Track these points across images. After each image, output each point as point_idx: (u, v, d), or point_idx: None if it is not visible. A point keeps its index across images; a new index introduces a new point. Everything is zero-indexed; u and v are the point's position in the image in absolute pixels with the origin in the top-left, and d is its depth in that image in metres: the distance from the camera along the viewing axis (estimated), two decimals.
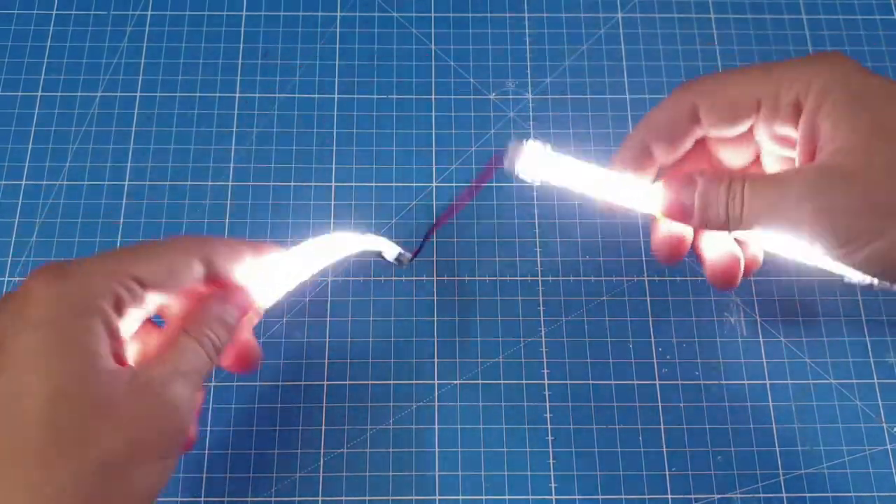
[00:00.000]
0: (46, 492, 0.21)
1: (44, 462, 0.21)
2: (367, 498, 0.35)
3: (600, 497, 0.35)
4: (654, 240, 0.31)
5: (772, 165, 0.29)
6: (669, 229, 0.30)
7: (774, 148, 0.28)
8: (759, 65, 0.27)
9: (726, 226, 0.27)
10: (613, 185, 0.30)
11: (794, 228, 0.25)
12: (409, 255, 0.35)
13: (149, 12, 0.44)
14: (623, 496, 0.35)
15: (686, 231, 0.30)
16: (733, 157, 0.30)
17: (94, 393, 0.22)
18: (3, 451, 0.21)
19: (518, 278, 0.38)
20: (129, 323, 0.25)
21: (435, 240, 0.39)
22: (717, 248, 0.30)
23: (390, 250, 0.35)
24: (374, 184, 0.40)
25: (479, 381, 0.36)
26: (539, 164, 0.30)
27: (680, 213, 0.28)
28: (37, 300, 0.23)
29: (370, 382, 0.37)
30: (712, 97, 0.28)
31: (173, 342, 0.25)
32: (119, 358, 0.24)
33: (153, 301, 0.25)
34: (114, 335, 0.24)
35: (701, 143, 0.30)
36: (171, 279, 0.25)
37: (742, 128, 0.28)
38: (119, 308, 0.24)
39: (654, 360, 0.37)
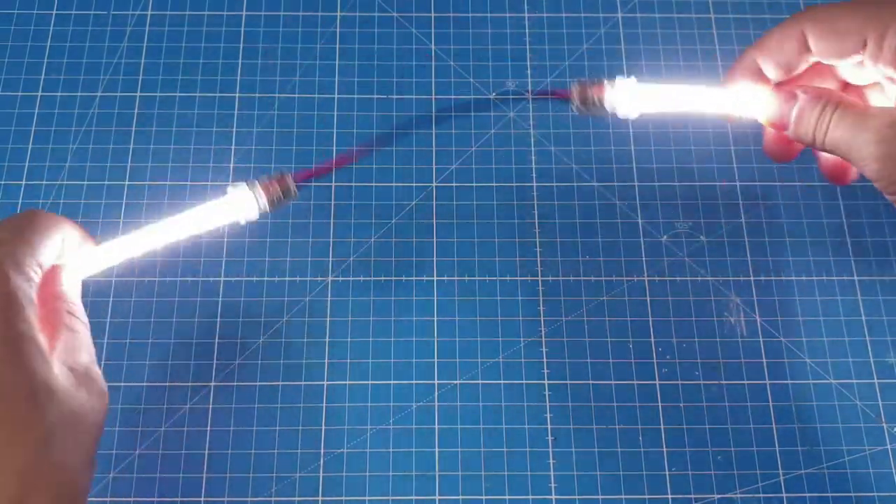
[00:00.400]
0: None
1: None
2: (367, 498, 0.35)
3: (600, 497, 0.35)
4: (766, 142, 0.32)
5: (880, 97, 0.30)
6: (779, 134, 0.31)
7: (886, 82, 0.29)
8: (865, 2, 0.27)
9: (813, 144, 0.28)
10: (721, 96, 0.31)
11: (863, 164, 0.26)
12: (272, 199, 0.31)
13: (149, 12, 0.44)
14: (623, 496, 0.35)
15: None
16: (854, 77, 0.30)
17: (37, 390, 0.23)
18: None
19: (518, 278, 0.38)
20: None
21: (435, 240, 0.39)
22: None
23: (243, 210, 0.31)
24: (374, 184, 0.40)
25: (479, 381, 0.36)
26: (630, 98, 0.31)
27: (780, 124, 0.29)
28: None
29: (370, 382, 0.37)
30: (821, 27, 0.28)
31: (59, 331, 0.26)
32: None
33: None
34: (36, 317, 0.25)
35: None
36: (49, 258, 0.27)
37: (852, 60, 0.28)
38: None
39: (654, 360, 0.37)
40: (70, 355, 0.25)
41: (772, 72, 0.30)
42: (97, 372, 0.26)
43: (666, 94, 0.31)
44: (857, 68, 0.29)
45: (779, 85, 0.31)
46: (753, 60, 0.30)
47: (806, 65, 0.30)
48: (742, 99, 0.30)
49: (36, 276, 0.25)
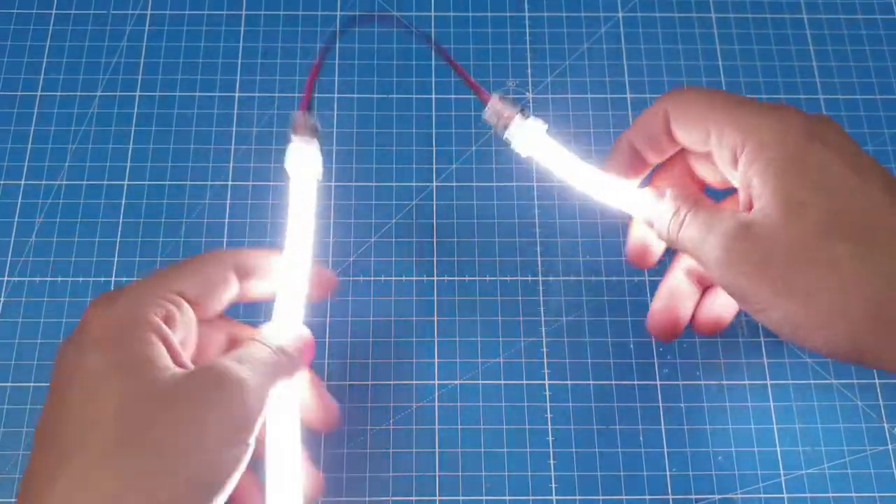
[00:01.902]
0: (118, 478, 0.22)
1: (114, 452, 0.23)
2: (367, 498, 0.35)
3: (601, 497, 0.35)
4: (628, 241, 0.33)
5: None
6: (641, 236, 0.32)
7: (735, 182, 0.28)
8: (724, 95, 0.27)
9: (669, 242, 0.28)
10: (599, 183, 0.31)
11: (707, 267, 0.26)
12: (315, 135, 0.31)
13: (148, 12, 0.44)
14: (624, 496, 0.35)
15: (653, 241, 0.31)
16: (706, 172, 0.30)
17: (153, 390, 0.24)
18: (77, 446, 0.23)
19: (518, 278, 0.38)
20: (185, 333, 0.27)
21: (435, 240, 0.39)
22: (673, 288, 0.32)
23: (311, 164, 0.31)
24: (374, 184, 0.40)
25: (480, 382, 0.36)
26: (531, 139, 0.30)
27: (647, 221, 0.30)
28: (93, 325, 0.25)
29: (370, 383, 0.36)
30: (677, 112, 0.28)
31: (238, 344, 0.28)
32: (179, 363, 0.25)
33: (202, 311, 0.28)
34: (168, 344, 0.25)
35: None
36: (209, 290, 0.28)
37: (705, 149, 0.28)
38: (169, 321, 0.26)
39: (655, 361, 0.37)
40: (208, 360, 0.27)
41: (647, 153, 0.30)
42: (224, 371, 0.26)
43: (556, 157, 0.31)
44: (710, 163, 0.29)
45: (657, 172, 0.31)
46: (629, 141, 0.30)
47: (675, 148, 0.30)
48: (616, 192, 0.30)
49: (168, 302, 0.26)
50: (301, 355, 0.29)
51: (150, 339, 0.25)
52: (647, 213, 0.29)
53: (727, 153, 0.26)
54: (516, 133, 0.30)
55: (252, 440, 0.25)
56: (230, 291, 0.29)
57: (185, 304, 0.27)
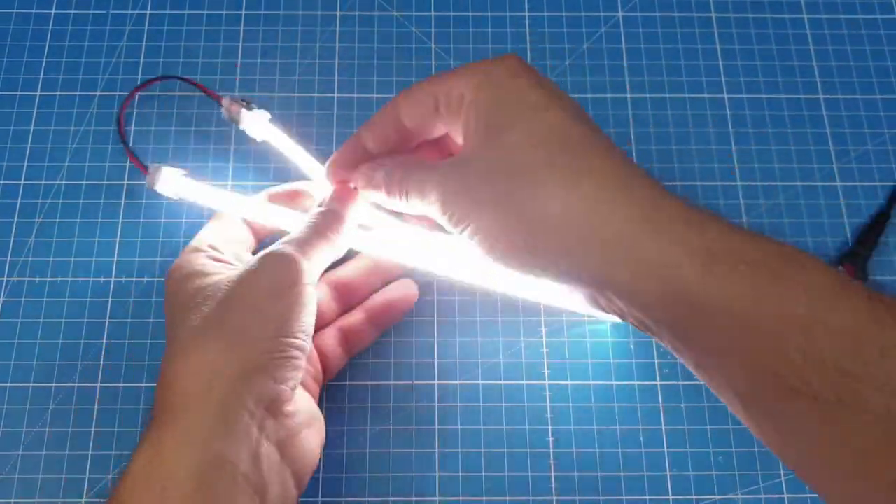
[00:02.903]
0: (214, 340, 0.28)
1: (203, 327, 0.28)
2: (367, 498, 0.35)
3: (601, 498, 0.35)
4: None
5: None
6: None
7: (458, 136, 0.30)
8: (453, 68, 0.29)
9: (403, 205, 0.30)
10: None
11: (431, 208, 0.28)
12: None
13: (148, 12, 0.44)
14: (624, 497, 0.35)
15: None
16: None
17: (216, 281, 0.30)
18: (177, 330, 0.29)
19: None
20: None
21: None
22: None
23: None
24: None
25: (480, 382, 0.36)
26: (259, 126, 0.37)
27: (378, 198, 0.31)
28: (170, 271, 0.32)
29: (370, 383, 0.36)
30: (407, 101, 0.30)
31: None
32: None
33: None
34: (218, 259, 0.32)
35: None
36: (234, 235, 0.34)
37: (436, 129, 0.30)
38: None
39: (656, 361, 0.37)
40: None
41: (374, 147, 0.32)
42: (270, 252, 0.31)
43: (281, 139, 0.37)
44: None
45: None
46: (358, 138, 0.32)
47: (400, 138, 0.31)
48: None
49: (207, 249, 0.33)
50: (339, 203, 0.32)
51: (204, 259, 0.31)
52: (375, 187, 0.31)
53: (453, 107, 0.28)
54: (246, 121, 0.37)
55: (306, 299, 0.29)
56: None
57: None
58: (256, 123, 0.37)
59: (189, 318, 0.28)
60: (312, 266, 0.30)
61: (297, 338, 0.28)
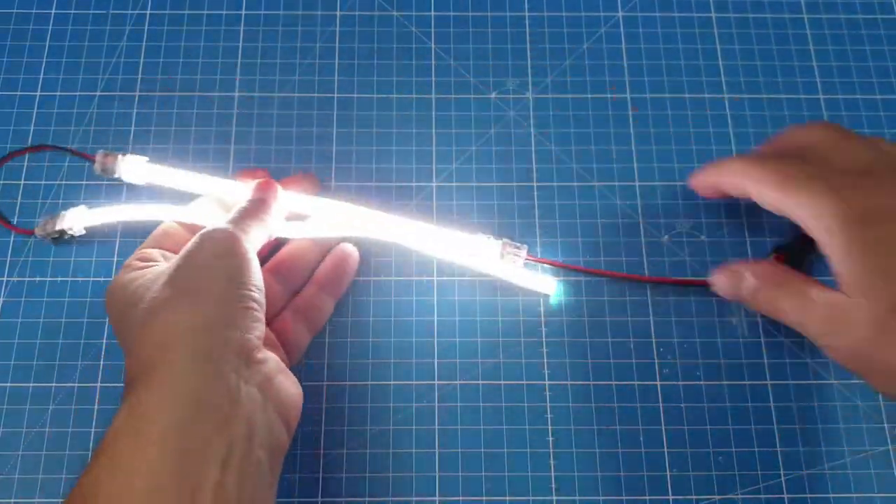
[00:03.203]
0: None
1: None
2: (367, 498, 0.35)
3: (601, 498, 0.35)
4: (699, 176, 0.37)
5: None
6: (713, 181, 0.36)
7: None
8: (794, 169, 0.31)
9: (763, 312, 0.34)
10: (223, 187, 0.37)
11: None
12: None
13: (147, 11, 0.44)
14: (624, 497, 0.35)
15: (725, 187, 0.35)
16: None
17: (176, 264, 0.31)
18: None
19: None
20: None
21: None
22: None
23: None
24: (374, 183, 0.40)
25: (480, 382, 0.36)
26: (135, 170, 0.38)
27: (732, 295, 0.35)
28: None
29: (370, 383, 0.36)
30: (756, 193, 0.32)
31: None
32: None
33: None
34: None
35: None
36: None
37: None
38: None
39: (656, 361, 0.37)
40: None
41: (718, 189, 0.35)
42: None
43: (169, 175, 0.38)
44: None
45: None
46: (707, 177, 0.35)
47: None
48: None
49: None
50: (263, 192, 0.35)
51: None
52: (732, 290, 0.34)
53: (806, 225, 0.31)
54: (122, 169, 0.38)
55: (250, 256, 0.31)
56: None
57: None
58: (135, 168, 0.38)
59: (140, 303, 0.29)
60: (248, 238, 0.32)
61: (250, 290, 0.29)
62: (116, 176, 0.38)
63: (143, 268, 0.32)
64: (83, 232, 0.38)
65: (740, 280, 0.33)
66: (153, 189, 0.38)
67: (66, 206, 0.39)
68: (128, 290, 0.30)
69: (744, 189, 0.33)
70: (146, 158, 0.38)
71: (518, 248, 0.36)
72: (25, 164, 0.40)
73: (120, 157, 0.38)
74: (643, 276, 0.38)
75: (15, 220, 0.39)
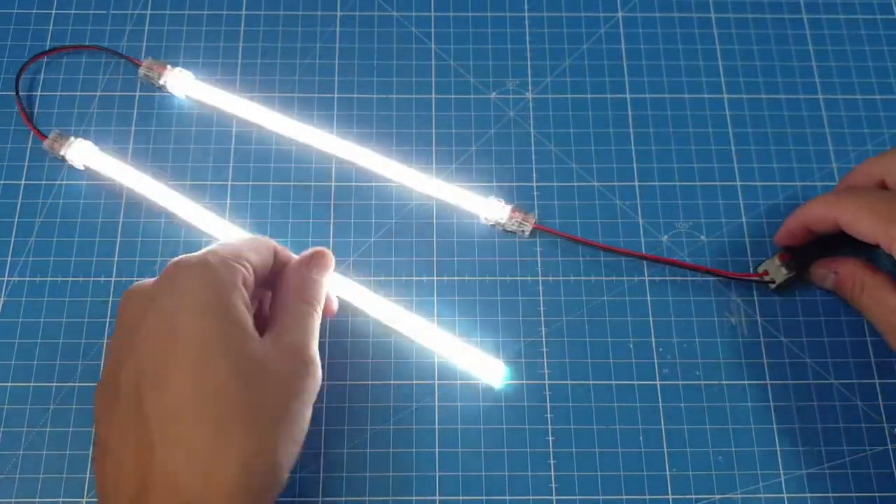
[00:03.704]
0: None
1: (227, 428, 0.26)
2: (367, 498, 0.35)
3: (601, 497, 0.35)
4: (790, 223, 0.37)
5: None
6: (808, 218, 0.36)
7: None
8: (885, 201, 0.32)
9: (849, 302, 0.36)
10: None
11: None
12: None
13: (148, 12, 0.44)
14: (624, 496, 0.35)
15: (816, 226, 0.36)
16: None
17: (253, 361, 0.27)
18: (180, 420, 0.26)
19: (518, 278, 0.38)
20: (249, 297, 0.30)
21: (435, 240, 0.39)
22: None
23: None
24: (374, 183, 0.40)
25: (480, 382, 0.36)
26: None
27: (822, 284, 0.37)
28: (190, 286, 0.28)
29: (370, 383, 0.36)
30: (849, 226, 0.33)
31: (288, 311, 0.31)
32: (257, 327, 0.29)
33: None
34: (248, 308, 0.29)
35: None
36: (264, 264, 0.31)
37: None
38: (245, 285, 0.29)
39: (655, 361, 0.37)
40: (283, 335, 0.29)
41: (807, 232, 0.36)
42: (311, 353, 0.30)
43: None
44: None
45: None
46: (794, 225, 0.36)
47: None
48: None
49: (245, 270, 0.30)
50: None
51: (239, 304, 0.28)
52: (824, 279, 0.37)
53: None
54: (168, 78, 0.40)
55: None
56: (270, 266, 0.32)
57: (250, 274, 0.30)
58: (179, 80, 0.40)
59: (211, 408, 0.26)
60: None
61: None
62: (161, 83, 0.40)
63: (244, 305, 0.29)
64: (81, 168, 0.39)
65: (826, 275, 0.36)
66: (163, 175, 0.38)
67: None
68: (229, 316, 0.28)
69: (835, 223, 0.34)
70: (192, 75, 0.40)
71: (526, 214, 0.38)
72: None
73: (168, 67, 0.40)
74: (647, 254, 0.38)
75: (34, 121, 0.41)
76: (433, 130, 0.41)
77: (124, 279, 0.38)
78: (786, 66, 0.43)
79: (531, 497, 0.35)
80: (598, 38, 0.44)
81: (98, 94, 0.42)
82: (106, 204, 0.40)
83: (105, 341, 0.37)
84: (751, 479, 0.35)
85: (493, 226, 0.39)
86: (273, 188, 0.40)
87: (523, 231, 0.38)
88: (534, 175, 0.40)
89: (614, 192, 0.40)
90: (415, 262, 0.39)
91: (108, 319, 0.37)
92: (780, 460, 0.35)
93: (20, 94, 0.41)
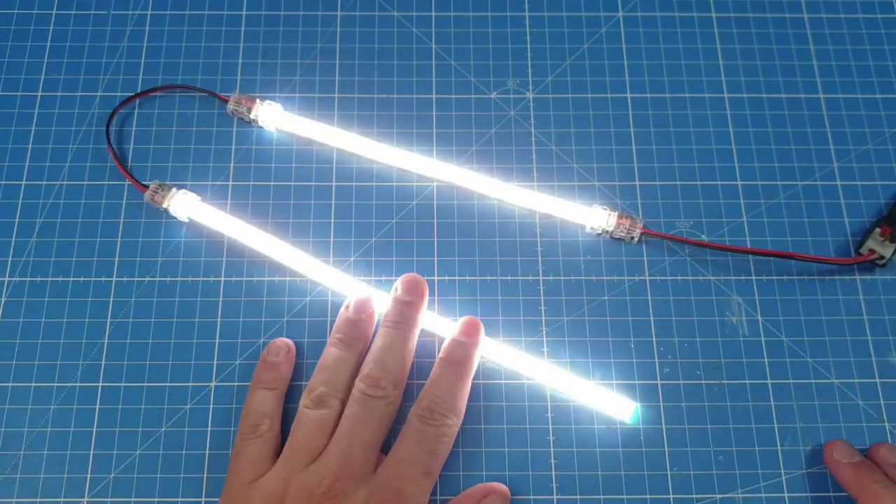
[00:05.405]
0: None
1: None
2: None
3: (602, 497, 0.35)
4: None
5: None
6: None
7: None
8: None
9: None
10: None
11: None
12: None
13: (148, 12, 0.44)
14: (625, 496, 0.35)
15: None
16: None
17: None
18: None
19: (519, 278, 0.38)
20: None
21: (435, 240, 0.39)
22: None
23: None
24: (374, 183, 0.40)
25: (481, 381, 0.36)
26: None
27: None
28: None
29: None
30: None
31: None
32: None
33: None
34: None
35: None
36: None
37: None
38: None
39: (656, 360, 0.37)
40: None
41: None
42: None
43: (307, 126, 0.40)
44: None
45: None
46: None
47: None
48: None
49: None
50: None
51: None
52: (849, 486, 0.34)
53: None
54: (260, 112, 0.40)
55: None
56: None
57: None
58: (270, 114, 0.40)
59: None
60: None
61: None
62: (252, 117, 0.40)
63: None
64: (186, 220, 0.39)
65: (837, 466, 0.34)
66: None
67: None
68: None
69: None
70: (280, 106, 0.41)
71: (634, 220, 0.38)
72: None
73: (258, 100, 0.40)
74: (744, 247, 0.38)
75: (128, 165, 0.40)
76: (434, 130, 0.41)
77: (125, 279, 0.38)
78: (787, 65, 0.43)
79: (532, 497, 0.35)
80: (598, 38, 0.43)
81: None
82: (107, 204, 0.40)
83: (105, 341, 0.37)
84: (752, 478, 0.35)
85: (598, 235, 0.39)
86: (274, 188, 0.40)
87: (632, 238, 0.38)
88: (535, 175, 0.40)
89: (615, 192, 0.40)
90: (415, 261, 0.39)
91: (108, 319, 0.37)
92: (780, 460, 0.35)
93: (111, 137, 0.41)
